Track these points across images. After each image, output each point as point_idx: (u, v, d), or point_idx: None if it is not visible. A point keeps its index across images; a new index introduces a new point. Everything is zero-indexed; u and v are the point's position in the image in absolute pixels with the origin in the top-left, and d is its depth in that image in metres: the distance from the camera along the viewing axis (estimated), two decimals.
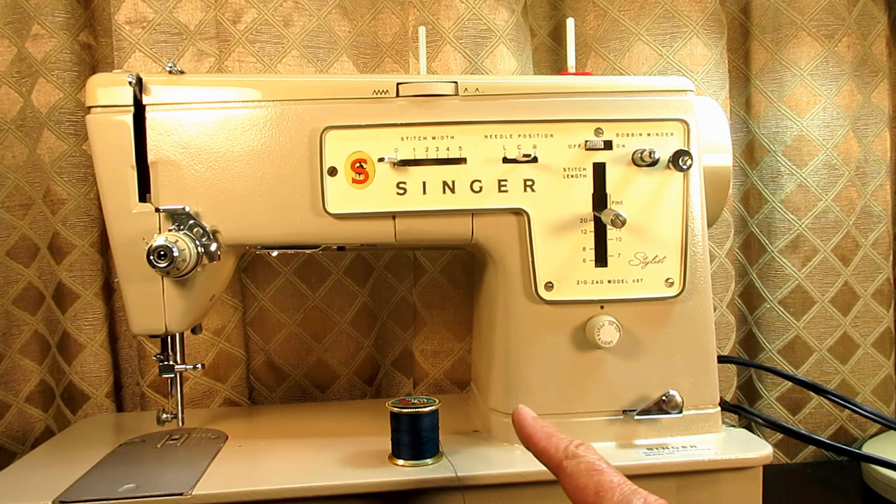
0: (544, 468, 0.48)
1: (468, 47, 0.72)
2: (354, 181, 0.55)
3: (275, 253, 0.72)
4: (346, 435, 0.61)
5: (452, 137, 0.55)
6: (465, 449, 0.56)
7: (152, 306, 0.55)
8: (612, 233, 0.56)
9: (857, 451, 0.58)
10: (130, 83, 0.54)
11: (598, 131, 0.56)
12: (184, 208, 0.54)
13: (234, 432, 0.63)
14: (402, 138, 0.55)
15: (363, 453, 0.56)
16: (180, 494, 0.49)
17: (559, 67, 0.82)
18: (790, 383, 0.79)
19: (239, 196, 0.55)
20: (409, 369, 0.82)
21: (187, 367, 0.60)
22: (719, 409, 0.58)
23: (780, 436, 0.79)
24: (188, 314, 0.56)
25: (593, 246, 0.56)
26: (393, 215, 0.56)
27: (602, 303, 0.56)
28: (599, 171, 0.56)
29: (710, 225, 0.61)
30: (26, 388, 0.78)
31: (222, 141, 0.55)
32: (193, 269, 0.53)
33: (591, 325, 0.55)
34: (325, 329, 0.78)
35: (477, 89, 0.56)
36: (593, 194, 0.56)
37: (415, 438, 0.53)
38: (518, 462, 0.53)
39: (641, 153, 0.55)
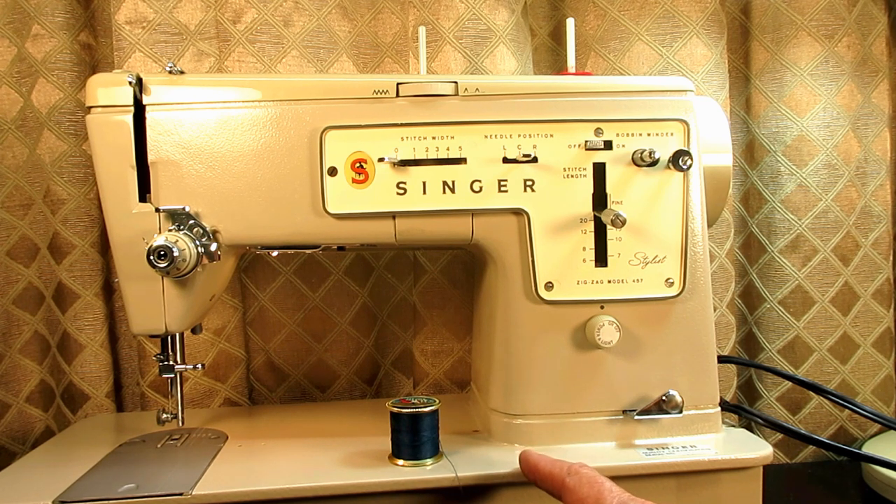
0: None
1: (468, 47, 0.72)
2: (354, 181, 0.55)
3: (275, 253, 0.72)
4: (346, 435, 0.61)
5: (452, 137, 0.55)
6: (465, 449, 0.56)
7: (152, 306, 0.55)
8: (612, 233, 0.56)
9: (857, 451, 0.58)
10: (130, 83, 0.54)
11: (598, 131, 0.56)
12: (184, 208, 0.54)
13: (234, 432, 0.63)
14: (402, 138, 0.55)
15: (363, 453, 0.56)
16: (180, 494, 0.49)
17: (559, 67, 0.82)
18: (790, 383, 0.79)
19: (239, 196, 0.55)
20: (409, 369, 0.82)
21: (187, 367, 0.60)
22: (719, 409, 0.58)
23: (780, 436, 0.79)
24: (188, 314, 0.56)
25: (593, 246, 0.56)
26: (393, 215, 0.56)
27: (602, 303, 0.56)
28: (599, 171, 0.56)
29: (710, 225, 0.61)
30: (26, 388, 0.78)
31: (222, 141, 0.55)
32: (193, 269, 0.53)
33: (591, 325, 0.55)
34: (325, 329, 0.78)
35: (477, 89, 0.56)
36: (593, 194, 0.56)
37: (415, 438, 0.53)
38: (518, 462, 0.52)
39: (641, 153, 0.55)
